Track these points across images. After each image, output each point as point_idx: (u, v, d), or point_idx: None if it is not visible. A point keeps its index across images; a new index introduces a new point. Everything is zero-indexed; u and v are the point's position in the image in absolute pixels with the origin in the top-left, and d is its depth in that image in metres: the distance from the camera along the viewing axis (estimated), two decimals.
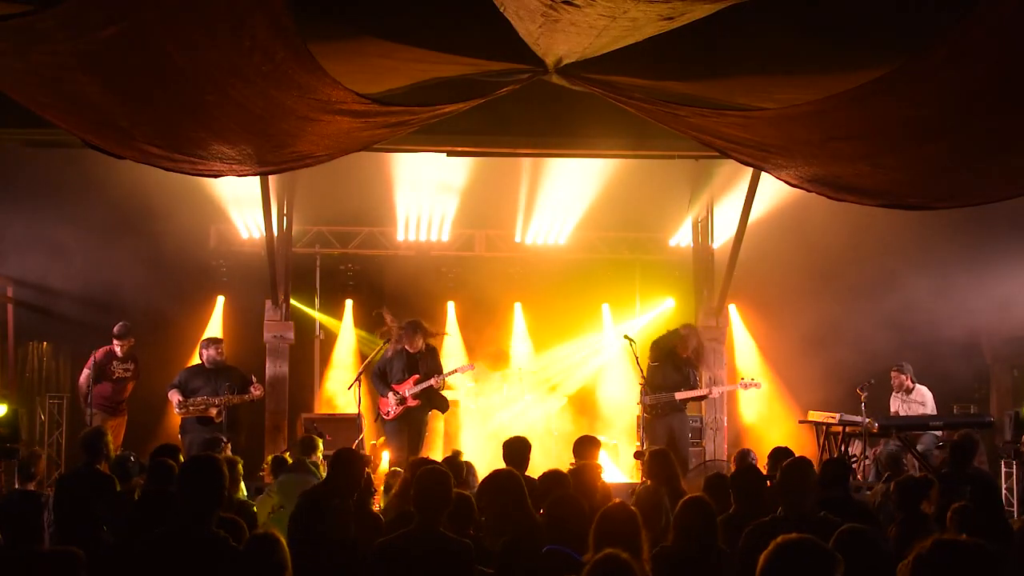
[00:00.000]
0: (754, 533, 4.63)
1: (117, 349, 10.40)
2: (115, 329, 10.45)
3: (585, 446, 7.36)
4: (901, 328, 12.14)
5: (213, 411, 9.78)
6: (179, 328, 12.35)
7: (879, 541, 4.05)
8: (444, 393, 10.39)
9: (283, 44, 4.53)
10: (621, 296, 13.66)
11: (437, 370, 9.94)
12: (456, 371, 10.35)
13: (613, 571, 3.44)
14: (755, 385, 10.77)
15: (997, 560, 2.75)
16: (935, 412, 10.64)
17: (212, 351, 10.14)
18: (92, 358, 10.26)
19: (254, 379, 10.20)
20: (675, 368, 10.06)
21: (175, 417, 10.17)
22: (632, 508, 4.51)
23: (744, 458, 8.18)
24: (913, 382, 10.75)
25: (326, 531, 5.34)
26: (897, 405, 10.84)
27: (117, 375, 10.40)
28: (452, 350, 13.21)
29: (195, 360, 10.76)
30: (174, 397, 9.96)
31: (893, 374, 10.79)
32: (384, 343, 10.11)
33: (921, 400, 10.68)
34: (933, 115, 5.05)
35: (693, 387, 10.08)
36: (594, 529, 4.26)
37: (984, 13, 3.97)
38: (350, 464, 5.64)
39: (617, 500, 4.88)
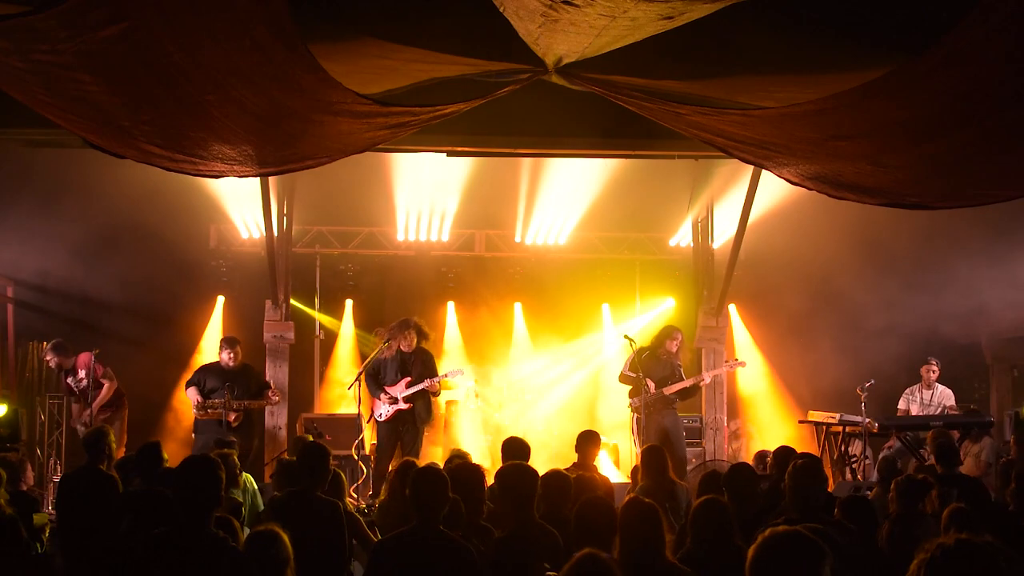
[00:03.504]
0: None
1: (51, 364, 10.43)
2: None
3: (584, 442, 7.44)
4: (901, 328, 12.15)
5: (231, 415, 9.68)
6: (179, 328, 12.36)
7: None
8: (444, 392, 10.37)
9: (283, 44, 4.53)
10: (621, 296, 13.67)
11: (431, 374, 9.86)
12: (447, 375, 10.33)
13: (592, 571, 3.43)
14: (740, 364, 11.13)
15: (1012, 561, 2.76)
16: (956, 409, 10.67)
17: (225, 355, 10.02)
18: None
19: (272, 384, 10.15)
20: (660, 364, 10.06)
21: (176, 417, 10.17)
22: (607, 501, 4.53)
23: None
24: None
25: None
26: (912, 407, 10.81)
27: (73, 390, 10.35)
28: (452, 350, 13.23)
29: (212, 357, 10.70)
30: (193, 396, 9.90)
31: (924, 368, 10.78)
32: (384, 343, 10.09)
33: (943, 401, 10.68)
34: (933, 115, 5.05)
35: (680, 381, 10.07)
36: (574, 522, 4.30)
37: (983, 13, 3.98)
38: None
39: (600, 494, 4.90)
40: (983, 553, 2.65)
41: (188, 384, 10.07)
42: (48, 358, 10.47)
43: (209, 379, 10.00)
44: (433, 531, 4.58)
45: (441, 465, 6.26)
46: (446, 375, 10.24)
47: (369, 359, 10.07)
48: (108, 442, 6.84)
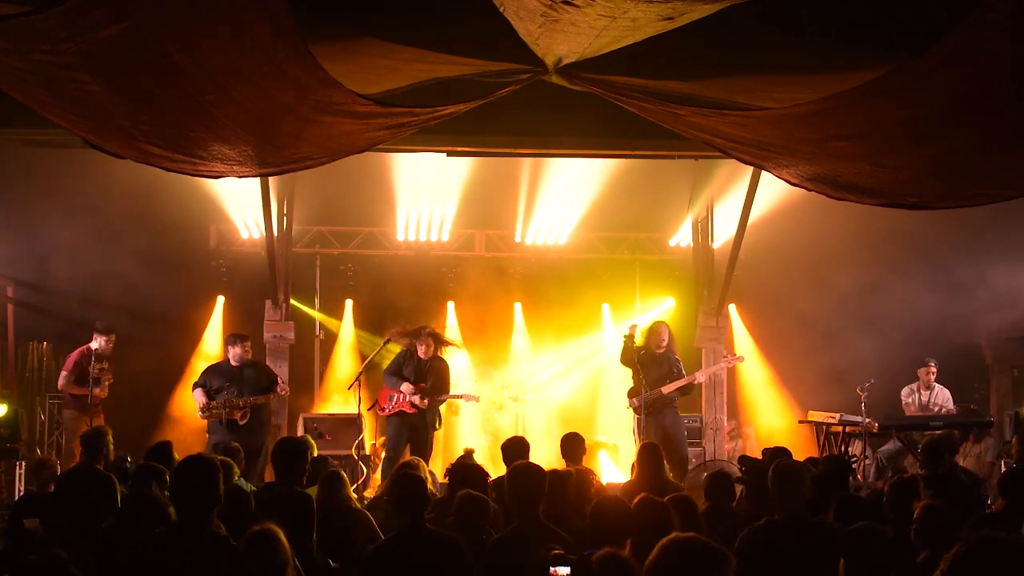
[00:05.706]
0: (750, 537, 4.61)
1: (101, 342, 10.16)
2: (98, 324, 10.24)
3: (570, 445, 7.26)
4: (901, 328, 12.16)
5: (237, 414, 9.47)
6: (179, 328, 12.35)
7: (887, 538, 4.03)
8: None
9: (283, 44, 4.54)
10: (621, 296, 13.66)
11: (444, 389, 9.87)
12: (461, 397, 10.26)
13: (613, 570, 3.44)
14: (738, 359, 11.17)
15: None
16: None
17: (239, 349, 9.76)
18: (70, 360, 10.15)
19: (280, 379, 10.01)
20: (656, 364, 10.02)
21: (175, 417, 10.10)
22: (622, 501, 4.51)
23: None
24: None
25: None
26: (910, 407, 10.78)
27: (93, 375, 10.07)
28: (452, 352, 13.20)
29: (212, 357, 10.57)
30: (199, 399, 9.63)
31: (922, 370, 10.77)
32: (385, 343, 10.08)
33: (942, 402, 10.68)
34: (933, 115, 5.05)
35: (679, 378, 10.02)
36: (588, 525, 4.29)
37: (983, 13, 3.98)
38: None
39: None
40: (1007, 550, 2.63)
41: (195, 386, 9.82)
42: (110, 339, 10.25)
43: (214, 378, 9.75)
44: (421, 531, 4.61)
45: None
46: (461, 397, 10.19)
47: (375, 359, 10.06)
48: (106, 442, 6.83)
